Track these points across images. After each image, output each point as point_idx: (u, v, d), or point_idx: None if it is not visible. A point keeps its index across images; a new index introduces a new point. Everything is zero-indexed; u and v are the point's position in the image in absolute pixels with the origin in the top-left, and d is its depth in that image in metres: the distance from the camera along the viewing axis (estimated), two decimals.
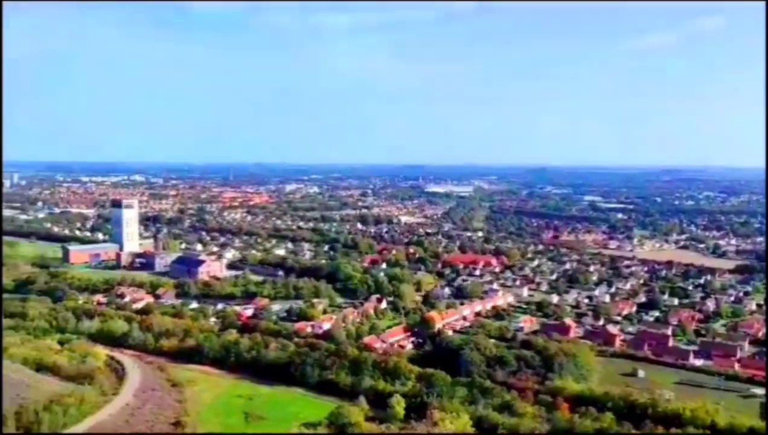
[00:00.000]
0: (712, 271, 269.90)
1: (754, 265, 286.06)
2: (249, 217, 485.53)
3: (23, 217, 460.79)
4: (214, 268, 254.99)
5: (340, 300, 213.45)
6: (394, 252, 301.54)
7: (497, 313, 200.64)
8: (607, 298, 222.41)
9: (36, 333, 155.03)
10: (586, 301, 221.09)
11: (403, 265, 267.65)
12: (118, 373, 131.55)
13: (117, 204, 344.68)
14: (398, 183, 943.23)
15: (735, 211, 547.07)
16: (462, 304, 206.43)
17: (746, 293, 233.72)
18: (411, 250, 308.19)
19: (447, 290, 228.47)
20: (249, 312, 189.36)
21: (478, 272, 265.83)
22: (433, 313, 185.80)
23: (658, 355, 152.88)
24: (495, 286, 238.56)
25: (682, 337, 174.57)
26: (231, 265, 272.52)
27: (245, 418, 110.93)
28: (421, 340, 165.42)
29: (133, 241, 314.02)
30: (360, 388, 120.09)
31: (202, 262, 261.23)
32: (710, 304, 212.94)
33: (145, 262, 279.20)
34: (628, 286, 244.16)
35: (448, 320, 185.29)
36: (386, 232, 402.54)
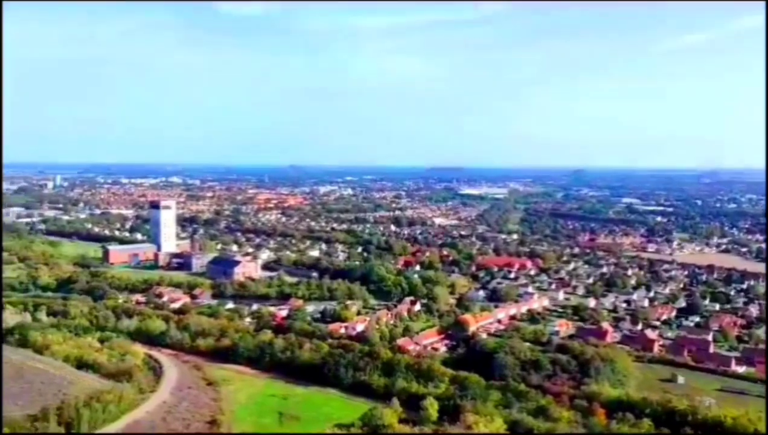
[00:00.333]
0: (755, 275, 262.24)
1: None
2: (284, 219, 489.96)
3: (65, 217, 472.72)
4: (249, 269, 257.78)
5: (373, 302, 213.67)
6: (427, 254, 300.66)
7: (532, 317, 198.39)
8: (646, 303, 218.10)
9: (77, 331, 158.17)
10: (624, 305, 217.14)
11: (436, 268, 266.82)
12: (156, 371, 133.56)
13: (155, 205, 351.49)
14: (432, 185, 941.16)
15: None
16: (496, 307, 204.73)
17: None
18: (445, 253, 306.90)
19: (481, 293, 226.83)
20: (283, 313, 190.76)
21: (512, 275, 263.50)
22: (467, 316, 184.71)
23: (698, 362, 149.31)
24: (530, 289, 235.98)
25: (723, 343, 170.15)
26: (266, 266, 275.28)
27: (279, 418, 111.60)
28: (454, 343, 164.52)
29: (170, 241, 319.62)
30: (393, 390, 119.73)
31: (237, 262, 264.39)
32: (753, 310, 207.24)
33: (182, 262, 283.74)
34: (667, 291, 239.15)
35: (482, 323, 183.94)
36: (420, 234, 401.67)
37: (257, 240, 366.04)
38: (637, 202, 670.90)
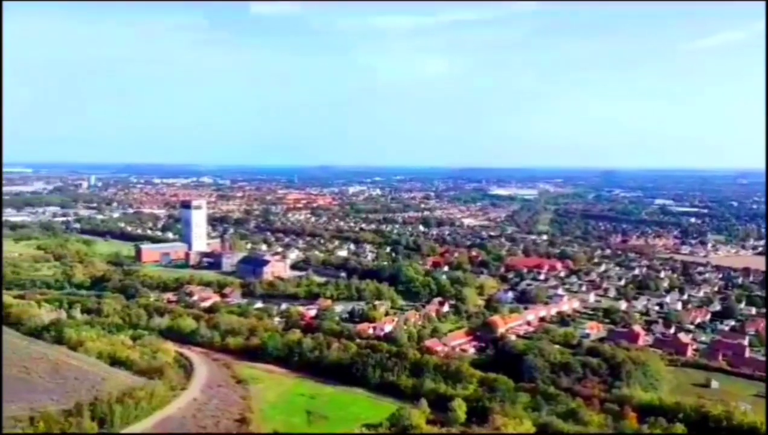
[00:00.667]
0: None
1: None
2: (313, 219, 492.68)
3: (99, 216, 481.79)
4: (278, 269, 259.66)
5: (401, 302, 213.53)
6: (456, 255, 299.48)
7: (562, 319, 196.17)
8: (679, 306, 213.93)
9: (110, 328, 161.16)
10: (657, 308, 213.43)
11: (465, 269, 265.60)
12: (187, 369, 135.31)
13: (186, 205, 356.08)
14: (461, 185, 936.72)
15: None
16: (526, 308, 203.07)
17: None
18: (474, 253, 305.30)
19: (510, 294, 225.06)
20: (312, 312, 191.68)
21: (542, 276, 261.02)
22: (495, 318, 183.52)
23: (733, 366, 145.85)
24: (560, 291, 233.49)
25: (759, 348, 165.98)
26: (295, 266, 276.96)
27: (308, 417, 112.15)
28: (483, 345, 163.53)
29: (201, 240, 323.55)
30: (421, 391, 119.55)
31: (266, 262, 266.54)
32: None
33: (212, 261, 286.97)
34: (701, 294, 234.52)
35: (512, 325, 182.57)
36: (449, 235, 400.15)
37: (286, 240, 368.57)
38: (671, 203, 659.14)
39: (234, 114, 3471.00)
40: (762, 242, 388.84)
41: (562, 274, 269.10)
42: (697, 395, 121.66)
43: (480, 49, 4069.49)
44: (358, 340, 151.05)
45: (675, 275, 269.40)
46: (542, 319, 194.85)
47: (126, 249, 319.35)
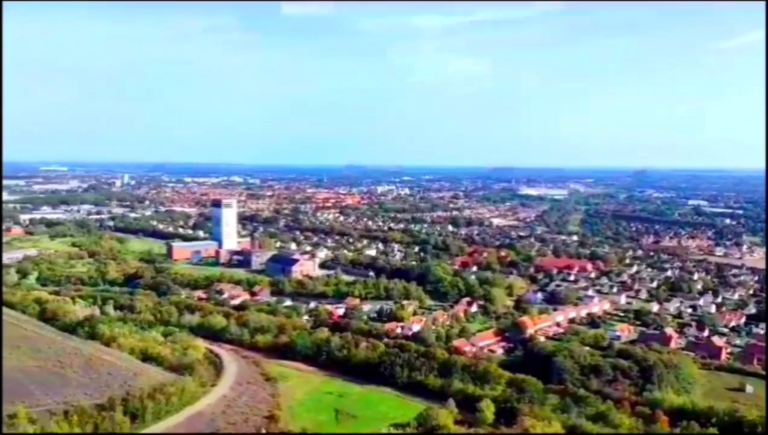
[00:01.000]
0: None
1: None
2: (341, 218, 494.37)
3: (132, 214, 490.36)
4: (307, 267, 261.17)
5: (430, 302, 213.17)
6: (485, 255, 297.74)
7: (592, 321, 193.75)
8: (713, 309, 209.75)
9: (142, 325, 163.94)
10: (690, 310, 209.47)
11: (494, 269, 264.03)
12: (216, 365, 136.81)
13: (217, 203, 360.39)
14: (490, 185, 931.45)
15: None
16: (555, 309, 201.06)
17: None
18: (503, 254, 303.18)
19: (539, 295, 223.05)
20: (340, 311, 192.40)
21: (572, 277, 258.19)
22: (525, 318, 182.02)
23: None
24: (590, 292, 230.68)
25: None
26: (323, 265, 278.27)
27: (336, 416, 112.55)
28: (512, 346, 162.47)
29: (231, 239, 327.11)
30: (449, 391, 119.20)
31: (295, 260, 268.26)
32: None
33: (242, 259, 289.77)
34: (736, 296, 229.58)
35: (541, 326, 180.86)
36: (477, 235, 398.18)
37: (315, 238, 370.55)
38: (705, 203, 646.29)
39: (264, 114, 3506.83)
40: None
41: (593, 275, 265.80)
42: (731, 399, 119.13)
43: (510, 48, 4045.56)
44: (386, 340, 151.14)
45: (709, 277, 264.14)
46: (572, 321, 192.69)
47: (158, 247, 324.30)
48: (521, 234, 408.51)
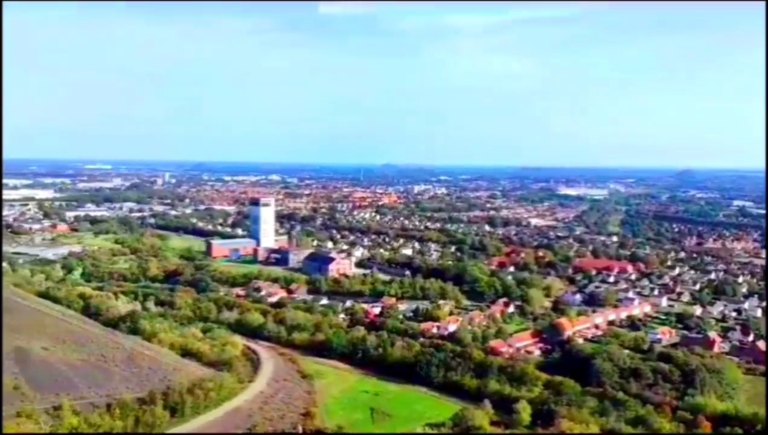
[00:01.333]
0: None
1: None
2: (378, 217, 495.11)
3: (173, 212, 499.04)
4: (343, 266, 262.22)
5: (466, 302, 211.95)
6: (522, 255, 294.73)
7: (632, 323, 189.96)
8: (759, 313, 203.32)
9: (182, 321, 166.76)
10: (734, 314, 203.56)
11: (531, 269, 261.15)
12: (254, 362, 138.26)
13: (255, 202, 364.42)
14: (528, 185, 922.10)
15: None
16: (594, 311, 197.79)
17: None
18: (540, 254, 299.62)
19: (578, 296, 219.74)
20: (376, 310, 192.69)
21: (612, 279, 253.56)
22: (562, 320, 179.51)
23: None
24: (630, 294, 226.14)
25: None
26: (359, 264, 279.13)
27: (371, 414, 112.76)
28: (549, 347, 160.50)
29: (269, 237, 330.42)
30: (485, 392, 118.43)
31: (332, 259, 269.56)
32: None
33: (279, 257, 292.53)
34: None
35: (579, 328, 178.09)
36: (515, 235, 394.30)
37: (352, 237, 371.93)
38: (751, 204, 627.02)
39: (303, 113, 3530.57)
40: None
41: (633, 276, 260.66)
42: None
43: (551, 47, 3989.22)
44: (421, 339, 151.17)
45: (755, 280, 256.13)
46: (611, 323, 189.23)
47: (197, 244, 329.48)
48: (560, 234, 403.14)
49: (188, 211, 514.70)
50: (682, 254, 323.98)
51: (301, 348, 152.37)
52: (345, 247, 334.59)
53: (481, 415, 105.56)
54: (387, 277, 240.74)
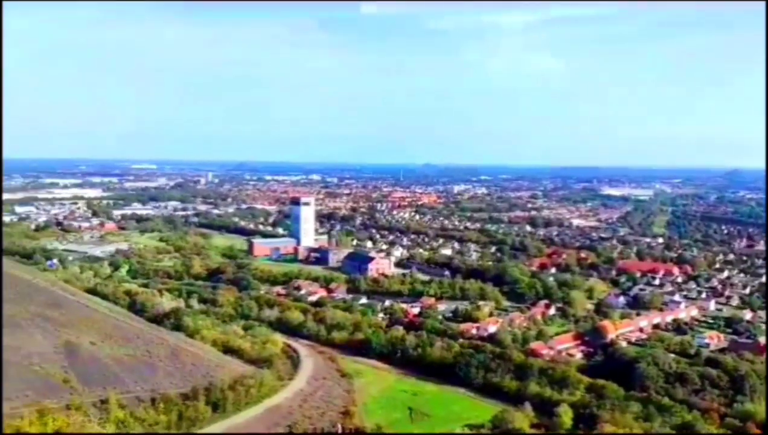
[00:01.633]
0: None
1: None
2: (417, 217, 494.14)
3: (215, 211, 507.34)
4: (382, 266, 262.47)
5: (506, 303, 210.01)
6: (564, 256, 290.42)
7: (678, 327, 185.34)
8: None
9: (224, 318, 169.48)
10: None
11: (573, 271, 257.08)
12: (294, 360, 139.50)
13: (296, 201, 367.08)
14: (570, 185, 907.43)
15: None
16: (638, 314, 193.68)
17: None
18: (583, 255, 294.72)
19: (622, 299, 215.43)
20: (415, 310, 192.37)
21: (657, 281, 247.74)
22: (605, 323, 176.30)
23: None
24: (677, 297, 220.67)
25: None
26: (399, 263, 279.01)
27: (410, 414, 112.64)
28: (591, 350, 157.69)
29: (309, 236, 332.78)
30: (525, 394, 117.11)
31: (371, 259, 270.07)
32: None
33: (319, 256, 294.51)
34: None
35: (623, 331, 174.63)
36: (556, 235, 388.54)
37: (391, 237, 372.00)
38: None
39: (343, 113, 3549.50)
40: None
41: (680, 279, 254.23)
42: None
43: (593, 44, 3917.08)
44: (461, 340, 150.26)
45: None
46: (656, 326, 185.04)
47: (239, 243, 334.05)
48: (603, 235, 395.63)
49: (230, 210, 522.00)
50: (731, 257, 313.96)
51: (340, 347, 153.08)
52: (384, 246, 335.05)
53: (521, 418, 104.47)
54: (426, 277, 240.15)
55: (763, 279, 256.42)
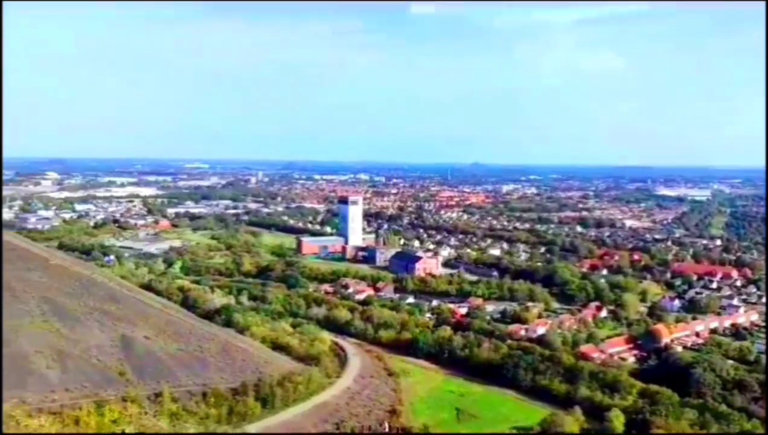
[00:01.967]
0: None
1: None
2: (465, 216, 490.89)
3: (265, 210, 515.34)
4: (430, 265, 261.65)
5: (555, 305, 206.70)
6: (616, 257, 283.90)
7: (737, 332, 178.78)
8: None
9: (273, 315, 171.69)
10: None
11: (626, 273, 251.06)
12: (341, 358, 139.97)
13: (344, 200, 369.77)
14: (623, 185, 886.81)
15: None
16: (694, 318, 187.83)
17: None
18: (636, 257, 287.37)
19: (677, 302, 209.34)
20: (463, 310, 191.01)
21: (714, 285, 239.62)
22: (659, 326, 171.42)
23: None
24: (735, 301, 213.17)
25: None
26: (446, 263, 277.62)
27: (456, 415, 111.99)
28: (644, 354, 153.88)
29: (357, 235, 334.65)
30: (575, 398, 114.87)
31: (418, 258, 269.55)
32: None
33: (366, 255, 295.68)
34: None
35: (677, 335, 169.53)
36: (608, 236, 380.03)
37: (438, 237, 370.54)
38: None
39: (391, 113, 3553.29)
40: None
41: (739, 283, 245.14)
42: None
43: (648, 41, 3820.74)
44: (509, 341, 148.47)
45: None
46: (713, 331, 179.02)
47: (288, 241, 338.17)
48: (657, 237, 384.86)
49: (280, 208, 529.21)
50: None
51: (387, 346, 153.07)
52: (432, 246, 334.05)
53: (571, 421, 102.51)
54: (474, 278, 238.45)
55: None
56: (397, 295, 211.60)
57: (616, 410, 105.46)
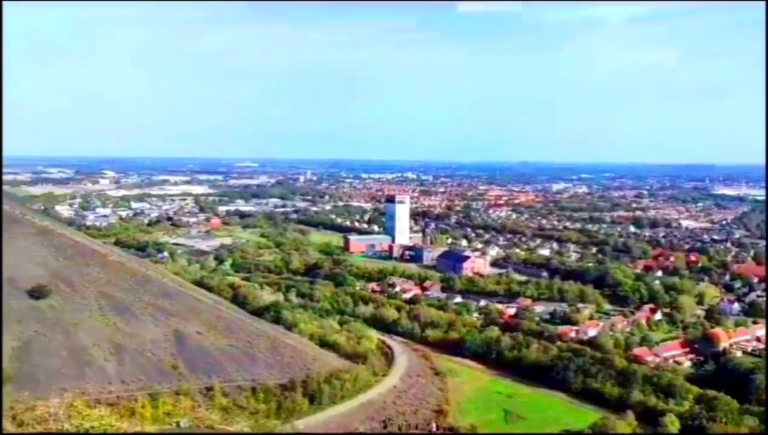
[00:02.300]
0: None
1: None
2: (514, 216, 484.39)
3: (313, 208, 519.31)
4: (477, 265, 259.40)
5: (607, 306, 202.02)
6: (672, 259, 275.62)
7: None
8: None
9: (321, 313, 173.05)
10: None
11: (682, 274, 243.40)
12: (388, 356, 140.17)
13: (391, 199, 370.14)
14: (679, 184, 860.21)
15: None
16: (755, 322, 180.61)
17: None
18: (692, 258, 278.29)
19: (736, 305, 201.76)
20: (511, 311, 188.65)
21: None
22: (717, 330, 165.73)
23: None
24: None
25: None
26: (494, 263, 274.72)
27: (504, 416, 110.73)
28: (701, 359, 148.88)
29: (404, 234, 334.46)
30: (628, 402, 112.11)
31: (466, 257, 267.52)
32: None
33: (413, 254, 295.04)
34: None
35: (737, 339, 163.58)
36: (663, 237, 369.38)
37: (486, 236, 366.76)
38: None
39: (440, 112, 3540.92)
40: None
41: None
42: None
43: (701, 37, 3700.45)
44: (559, 343, 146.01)
45: None
46: None
47: (336, 239, 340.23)
48: (715, 237, 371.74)
49: (327, 207, 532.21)
50: None
51: (434, 345, 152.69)
52: (479, 245, 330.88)
53: (623, 426, 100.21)
54: (523, 278, 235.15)
55: None
56: (445, 295, 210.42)
57: (671, 415, 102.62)
